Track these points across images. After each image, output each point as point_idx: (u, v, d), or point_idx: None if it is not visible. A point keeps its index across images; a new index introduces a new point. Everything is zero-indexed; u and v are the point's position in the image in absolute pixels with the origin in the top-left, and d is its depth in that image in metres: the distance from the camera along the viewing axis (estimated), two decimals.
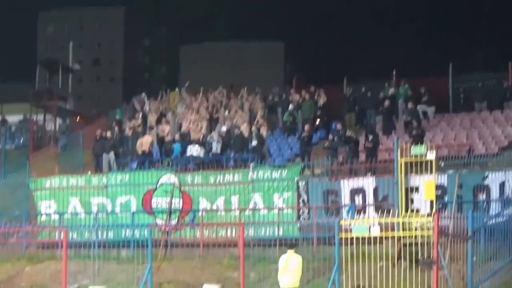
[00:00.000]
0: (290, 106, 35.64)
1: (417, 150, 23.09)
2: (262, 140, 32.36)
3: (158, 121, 37.28)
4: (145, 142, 34.27)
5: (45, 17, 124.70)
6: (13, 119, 50.17)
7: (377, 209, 24.84)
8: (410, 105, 34.39)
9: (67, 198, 29.93)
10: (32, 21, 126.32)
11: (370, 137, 30.23)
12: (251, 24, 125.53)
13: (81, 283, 24.99)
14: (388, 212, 20.36)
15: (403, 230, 20.56)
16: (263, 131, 33.52)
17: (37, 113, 49.67)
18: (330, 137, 31.36)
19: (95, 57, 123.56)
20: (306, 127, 32.73)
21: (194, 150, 32.45)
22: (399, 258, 21.01)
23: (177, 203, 28.31)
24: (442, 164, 26.32)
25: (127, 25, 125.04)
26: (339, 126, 32.78)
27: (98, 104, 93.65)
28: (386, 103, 34.82)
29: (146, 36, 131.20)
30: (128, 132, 37.34)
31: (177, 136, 34.61)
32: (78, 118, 50.58)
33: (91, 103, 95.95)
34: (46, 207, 30.23)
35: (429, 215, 20.72)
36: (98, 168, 34.43)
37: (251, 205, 27.45)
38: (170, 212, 28.14)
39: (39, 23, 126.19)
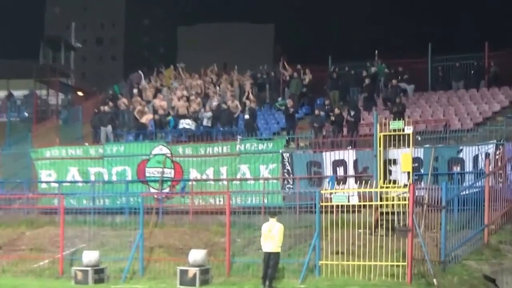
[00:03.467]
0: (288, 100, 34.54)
1: (395, 125, 22.84)
2: (250, 115, 31.98)
3: (154, 97, 36.92)
4: (145, 118, 33.91)
5: None
6: (18, 93, 49.97)
7: (357, 180, 24.60)
8: (392, 83, 34.12)
9: (66, 168, 29.62)
10: (39, 1, 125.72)
11: (352, 113, 30.02)
12: (243, 7, 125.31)
13: (77, 247, 24.70)
14: (367, 182, 20.13)
15: (380, 199, 20.42)
16: (252, 106, 33.16)
17: (41, 88, 49.39)
18: (317, 112, 30.97)
19: (98, 37, 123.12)
20: (291, 103, 32.36)
21: (185, 124, 32.09)
22: (376, 226, 20.85)
23: (169, 173, 28.02)
24: (419, 138, 26.07)
25: (128, 6, 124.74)
26: (327, 102, 32.42)
27: (100, 81, 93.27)
28: (368, 81, 34.54)
29: (146, 17, 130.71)
30: (124, 106, 36.90)
31: (170, 111, 34.24)
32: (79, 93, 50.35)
33: (93, 80, 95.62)
34: (47, 176, 29.91)
35: (405, 186, 20.49)
36: (96, 140, 34.07)
37: (238, 176, 27.24)
38: (162, 181, 27.87)
39: (46, 3, 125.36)
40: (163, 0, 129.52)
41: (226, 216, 21.92)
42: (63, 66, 52.47)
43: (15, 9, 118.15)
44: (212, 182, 27.47)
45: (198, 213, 25.98)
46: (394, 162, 23.09)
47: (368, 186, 20.09)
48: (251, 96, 34.07)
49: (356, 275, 19.42)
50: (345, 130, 29.78)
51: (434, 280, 18.46)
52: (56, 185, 29.49)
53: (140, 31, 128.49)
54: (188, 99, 34.79)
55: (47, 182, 29.89)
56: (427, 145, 24.99)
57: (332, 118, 29.93)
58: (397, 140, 22.69)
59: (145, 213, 23.71)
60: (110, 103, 36.92)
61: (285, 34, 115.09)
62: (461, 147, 24.48)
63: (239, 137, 28.48)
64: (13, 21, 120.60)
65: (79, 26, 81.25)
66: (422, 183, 23.33)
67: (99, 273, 21.88)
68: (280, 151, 26.69)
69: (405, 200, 19.33)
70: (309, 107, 35.03)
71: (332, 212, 20.05)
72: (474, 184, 22.31)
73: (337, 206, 20.26)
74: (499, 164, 22.70)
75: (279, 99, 35.98)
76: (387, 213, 20.55)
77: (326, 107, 31.58)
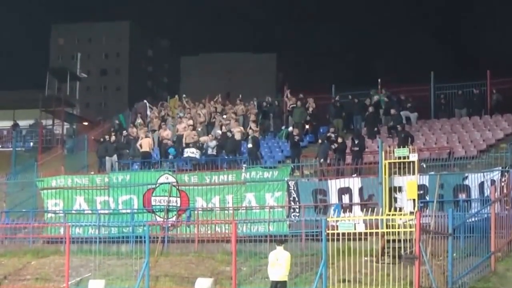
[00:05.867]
0: (290, 129, 34.46)
1: (400, 152, 22.75)
2: (253, 143, 31.87)
3: (159, 126, 36.86)
4: (144, 144, 33.70)
5: (57, 30, 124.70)
6: (24, 123, 49.93)
7: (362, 207, 24.43)
8: (393, 111, 34.12)
9: (73, 197, 29.46)
10: (45, 33, 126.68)
11: (356, 141, 29.93)
12: (245, 37, 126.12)
13: (83, 276, 24.54)
14: (373, 210, 19.99)
15: (386, 227, 20.26)
16: (256, 135, 33.07)
17: (46, 118, 49.40)
18: (320, 140, 30.90)
19: (102, 68, 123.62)
20: (296, 131, 32.27)
21: (190, 152, 31.99)
22: (382, 253, 20.69)
23: (175, 201, 27.87)
24: (424, 166, 25.96)
25: (132, 38, 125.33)
26: (332, 130, 32.29)
27: (105, 111, 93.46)
28: (371, 109, 34.50)
29: (150, 48, 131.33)
30: (130, 135, 36.81)
31: (175, 140, 34.14)
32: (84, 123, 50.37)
33: (98, 110, 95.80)
34: (53, 205, 29.75)
35: (411, 213, 20.34)
36: (101, 169, 33.96)
37: (244, 204, 27.04)
38: (168, 210, 27.69)
39: (51, 35, 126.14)
40: (167, 31, 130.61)
41: (232, 244, 21.75)
42: (68, 96, 52.54)
43: (20, 40, 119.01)
44: (218, 211, 27.31)
45: (203, 242, 25.79)
46: (400, 189, 23.00)
47: (374, 213, 19.93)
48: (254, 125, 33.99)
49: None
50: (349, 158, 29.68)
51: None
52: (62, 214, 29.32)
53: (144, 62, 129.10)
54: (193, 128, 34.70)
55: (52, 212, 29.70)
56: (432, 172, 24.87)
57: (334, 146, 29.80)
58: (402, 167, 22.61)
59: (151, 242, 23.57)
60: (119, 132, 36.82)
61: (287, 63, 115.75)
62: (466, 174, 24.33)
63: (244, 165, 28.33)
64: (19, 52, 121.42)
65: (83, 56, 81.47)
66: (428, 210, 23.15)
67: None
68: (286, 179, 26.58)
69: (411, 227, 19.18)
70: (313, 135, 34.93)
71: (338, 240, 19.87)
72: (480, 211, 22.14)
73: (343, 234, 20.07)
74: (505, 191, 22.55)
75: (283, 127, 35.88)
76: (393, 240, 20.40)
77: (333, 135, 31.43)
